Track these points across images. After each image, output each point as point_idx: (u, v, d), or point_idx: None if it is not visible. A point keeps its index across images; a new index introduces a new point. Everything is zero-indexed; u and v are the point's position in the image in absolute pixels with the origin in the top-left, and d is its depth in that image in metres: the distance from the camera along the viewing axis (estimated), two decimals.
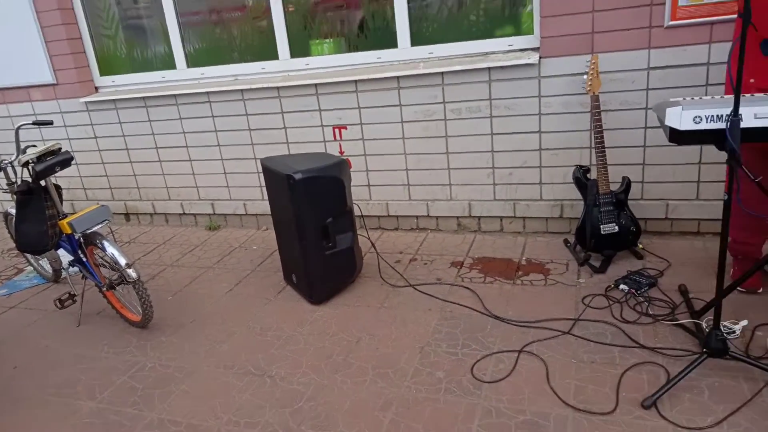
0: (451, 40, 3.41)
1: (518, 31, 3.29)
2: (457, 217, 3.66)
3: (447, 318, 2.67)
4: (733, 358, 2.05)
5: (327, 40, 3.73)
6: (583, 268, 2.99)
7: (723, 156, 1.93)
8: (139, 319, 2.85)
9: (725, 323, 2.28)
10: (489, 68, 3.22)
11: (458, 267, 3.19)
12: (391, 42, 3.51)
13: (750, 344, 2.22)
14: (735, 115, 1.85)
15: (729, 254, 2.66)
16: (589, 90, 2.85)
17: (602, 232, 2.94)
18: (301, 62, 3.76)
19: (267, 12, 3.72)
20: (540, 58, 3.10)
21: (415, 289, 2.99)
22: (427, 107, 3.44)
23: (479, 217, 3.61)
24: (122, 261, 2.64)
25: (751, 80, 2.22)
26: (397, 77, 3.42)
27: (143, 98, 4.11)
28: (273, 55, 3.81)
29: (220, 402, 2.26)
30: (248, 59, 3.92)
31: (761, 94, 2.06)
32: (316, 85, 3.62)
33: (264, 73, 3.86)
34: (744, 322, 2.31)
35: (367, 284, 3.10)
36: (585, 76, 2.87)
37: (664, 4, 2.82)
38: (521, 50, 3.24)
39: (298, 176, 2.70)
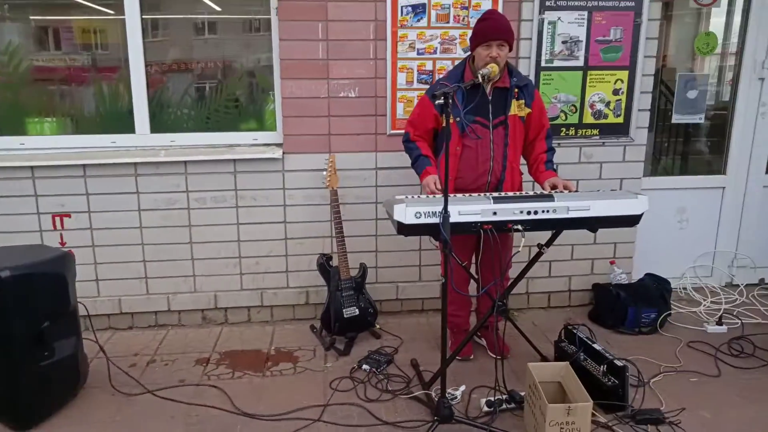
0: (195, 129, 3.38)
1: (262, 127, 3.44)
2: (202, 310, 3.48)
3: (193, 424, 2.45)
4: (458, 421, 2.33)
5: (49, 119, 3.32)
6: (330, 352, 3.10)
7: (438, 243, 2.28)
8: None
9: (449, 390, 2.58)
10: (234, 160, 3.26)
11: (204, 364, 2.99)
12: (128, 127, 3.30)
13: (468, 406, 2.55)
14: (445, 212, 2.22)
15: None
16: (329, 185, 3.11)
17: (345, 316, 3.12)
18: (13, 141, 3.24)
19: None
20: (283, 153, 3.28)
21: (154, 395, 2.68)
22: (168, 196, 3.28)
23: (226, 309, 3.49)
24: None
25: (458, 148, 2.69)
26: (135, 164, 3.20)
27: None
28: None
29: None
30: None
31: (462, 195, 2.52)
32: (32, 167, 3.15)
33: None
34: (462, 387, 2.66)
35: (94, 396, 2.66)
36: (324, 173, 3.13)
37: (385, 115, 3.30)
38: (266, 145, 3.38)
39: (4, 274, 2.25)
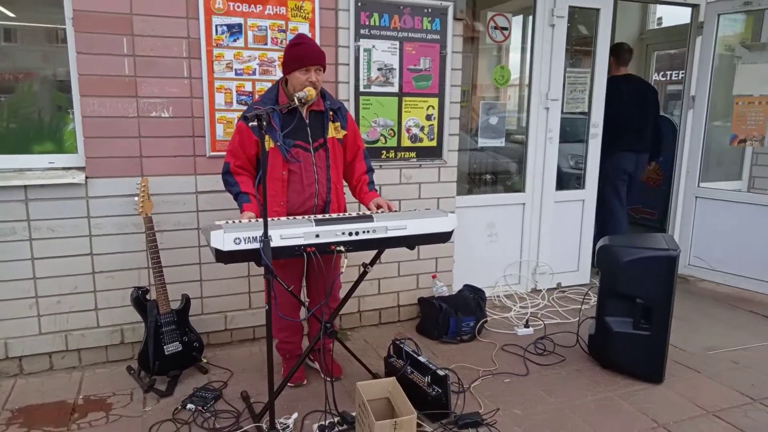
0: None
1: (60, 149, 3.07)
2: None
3: None
4: None
5: None
6: (149, 395, 2.83)
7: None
8: None
9: (280, 420, 2.51)
10: (25, 186, 2.86)
11: None
12: None
13: None
14: (266, 237, 2.16)
15: (279, 355, 3.00)
16: (141, 212, 2.86)
17: (166, 353, 2.88)
18: None
19: None
20: (86, 178, 2.95)
21: None
22: None
23: (21, 357, 3.02)
24: None
25: (283, 173, 2.64)
26: None
27: None
28: None
29: None
30: None
31: (285, 218, 2.49)
32: None
33: None
34: (295, 415, 2.60)
35: None
36: (136, 198, 2.87)
37: (204, 136, 3.15)
38: (64, 169, 3.02)
39: None
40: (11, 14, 2.99)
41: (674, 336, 3.17)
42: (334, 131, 2.74)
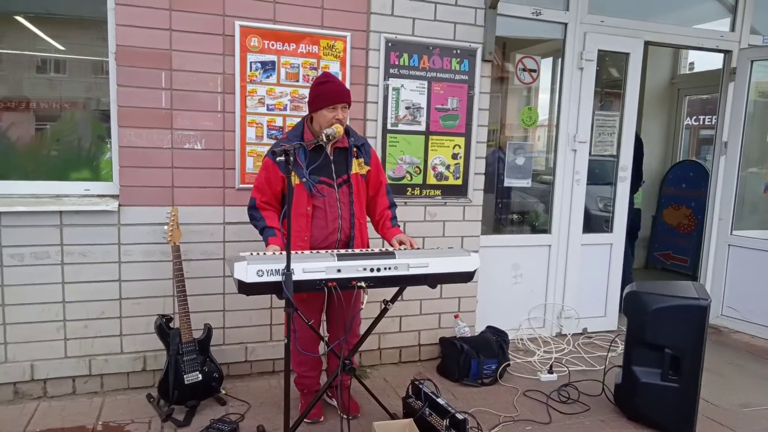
0: (14, 177, 3.03)
1: (96, 177, 3.18)
2: (14, 383, 3.01)
3: None
4: None
5: None
6: (167, 424, 2.83)
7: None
8: None
9: None
10: (61, 212, 2.95)
11: None
12: None
13: None
14: (288, 270, 2.18)
15: (296, 389, 2.97)
16: (170, 240, 2.92)
17: (186, 382, 2.89)
18: None
19: None
20: (120, 205, 3.04)
21: None
22: None
23: (45, 380, 3.06)
24: None
25: (308, 208, 2.68)
26: None
27: None
28: None
29: None
30: None
31: (308, 252, 2.51)
32: None
33: None
34: None
35: None
36: (166, 227, 2.94)
37: (234, 169, 3.23)
38: (99, 196, 3.11)
39: None
40: (61, 47, 3.15)
41: (706, 390, 3.04)
42: (357, 167, 2.77)
